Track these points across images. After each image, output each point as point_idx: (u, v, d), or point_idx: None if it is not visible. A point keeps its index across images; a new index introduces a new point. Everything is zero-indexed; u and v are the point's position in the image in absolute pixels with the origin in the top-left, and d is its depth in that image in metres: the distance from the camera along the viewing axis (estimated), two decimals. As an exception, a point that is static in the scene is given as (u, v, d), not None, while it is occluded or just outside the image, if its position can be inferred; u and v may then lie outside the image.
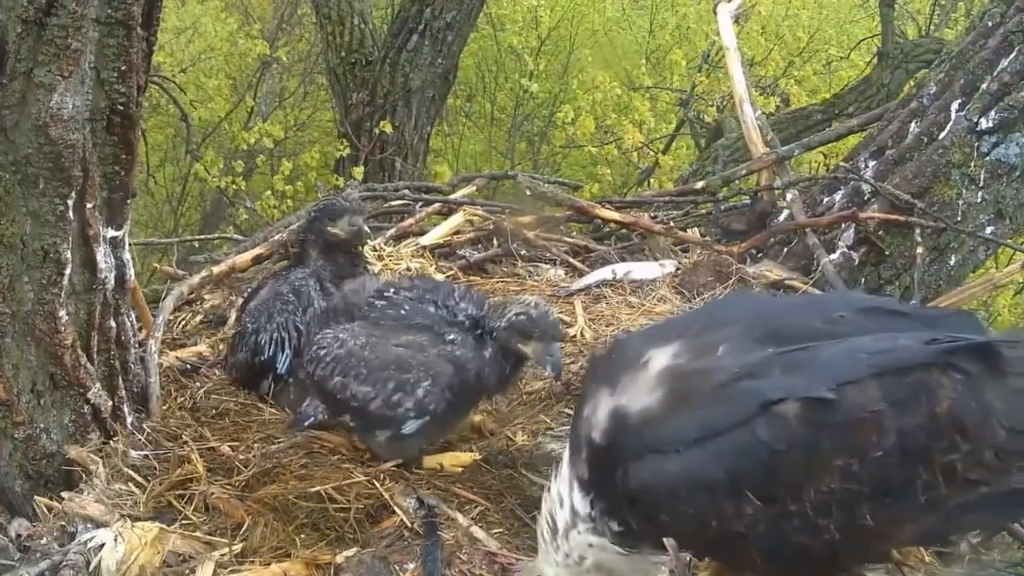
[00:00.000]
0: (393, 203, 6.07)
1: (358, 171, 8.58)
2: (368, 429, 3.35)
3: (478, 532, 3.00)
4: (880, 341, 2.26)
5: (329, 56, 9.32)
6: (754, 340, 2.28)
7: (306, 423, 3.42)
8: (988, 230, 5.09)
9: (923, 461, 2.15)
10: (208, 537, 2.92)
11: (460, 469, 3.36)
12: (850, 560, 2.25)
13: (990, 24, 5.20)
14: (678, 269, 5.02)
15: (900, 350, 2.22)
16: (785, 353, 2.22)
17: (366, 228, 3.86)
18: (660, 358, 2.30)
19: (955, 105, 5.12)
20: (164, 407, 3.60)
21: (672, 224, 5.73)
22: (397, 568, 2.82)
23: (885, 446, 2.12)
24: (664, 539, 2.22)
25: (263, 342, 3.76)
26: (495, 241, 5.37)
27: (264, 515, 3.00)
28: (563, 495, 2.39)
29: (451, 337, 3.33)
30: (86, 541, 2.76)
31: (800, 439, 2.11)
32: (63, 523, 2.92)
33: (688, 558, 2.76)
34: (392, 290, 3.53)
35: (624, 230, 5.77)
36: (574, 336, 4.32)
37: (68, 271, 2.98)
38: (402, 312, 3.46)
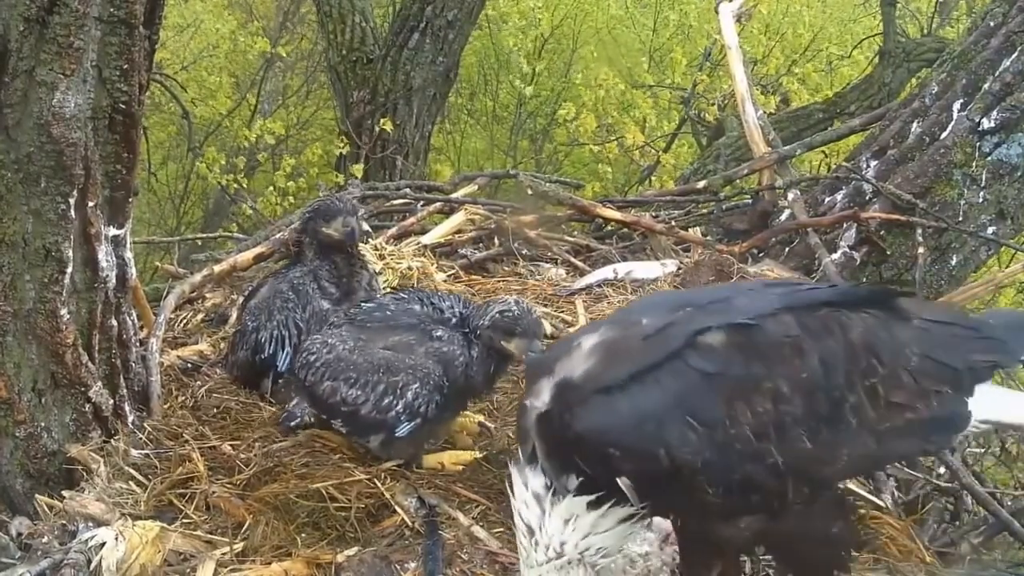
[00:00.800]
0: (394, 202, 6.07)
1: (357, 168, 8.59)
2: (360, 434, 3.36)
3: (479, 531, 3.01)
4: (787, 290, 2.49)
5: (330, 54, 9.31)
6: (671, 311, 2.42)
7: (292, 423, 3.43)
8: (990, 230, 5.08)
9: (847, 385, 2.30)
10: (209, 536, 2.93)
11: (461, 467, 3.37)
12: (796, 487, 2.31)
13: (992, 24, 5.19)
14: (679, 268, 5.02)
15: (807, 291, 2.47)
16: (702, 307, 2.40)
17: (361, 228, 3.83)
18: (590, 340, 2.42)
19: (957, 105, 5.12)
20: (165, 406, 3.61)
21: (673, 223, 5.74)
22: (398, 567, 2.82)
23: (810, 369, 2.27)
24: (619, 480, 2.25)
25: (263, 340, 3.75)
26: (496, 240, 5.37)
27: (265, 514, 3.01)
28: (524, 497, 2.40)
29: (439, 334, 3.36)
30: (87, 540, 2.76)
31: (730, 362, 2.25)
32: (64, 522, 2.92)
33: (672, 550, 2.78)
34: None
35: (625, 229, 5.78)
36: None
37: (69, 270, 2.98)
38: (388, 313, 3.50)
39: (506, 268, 5.25)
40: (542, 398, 2.37)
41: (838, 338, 2.32)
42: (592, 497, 2.33)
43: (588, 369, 2.33)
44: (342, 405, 3.30)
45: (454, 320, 3.41)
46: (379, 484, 3.16)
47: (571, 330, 4.36)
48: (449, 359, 3.30)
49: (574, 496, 2.34)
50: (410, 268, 4.73)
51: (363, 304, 3.64)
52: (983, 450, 4.30)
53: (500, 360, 3.34)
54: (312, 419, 3.46)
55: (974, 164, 5.00)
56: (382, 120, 8.79)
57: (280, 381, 3.79)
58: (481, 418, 3.69)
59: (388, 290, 4.27)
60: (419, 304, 3.49)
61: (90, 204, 2.96)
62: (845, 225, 5.22)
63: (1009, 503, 3.75)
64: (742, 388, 2.23)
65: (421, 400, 3.24)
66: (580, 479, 2.33)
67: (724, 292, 2.63)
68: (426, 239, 5.28)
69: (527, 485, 2.39)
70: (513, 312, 3.25)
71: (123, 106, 2.95)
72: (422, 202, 5.86)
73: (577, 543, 2.37)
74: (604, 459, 2.26)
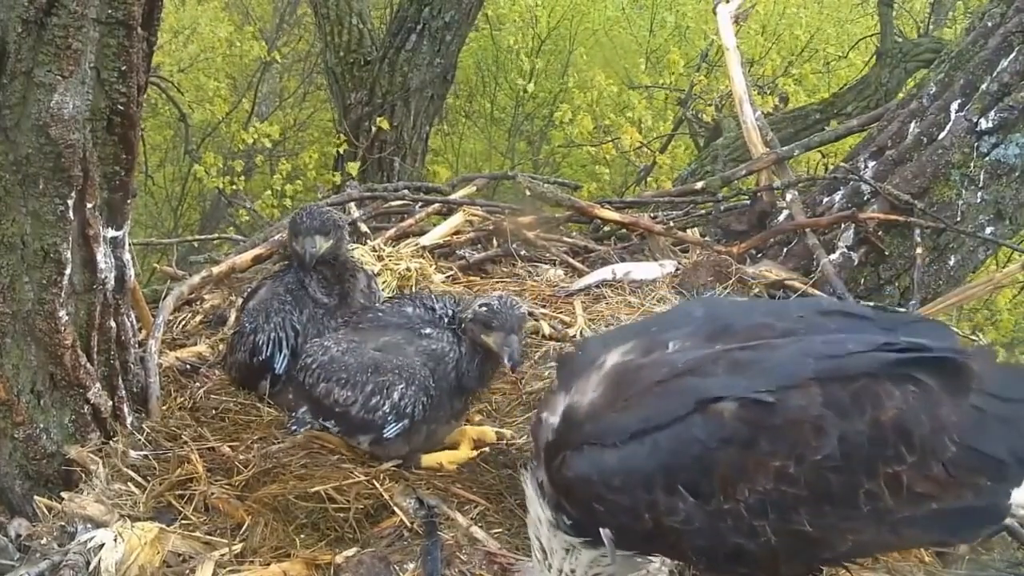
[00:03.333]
0: (393, 203, 6.07)
1: (353, 167, 8.59)
2: (351, 434, 3.37)
3: (478, 532, 3.00)
4: (830, 345, 2.24)
5: (328, 56, 9.31)
6: (705, 338, 2.30)
7: (302, 429, 3.43)
8: (988, 230, 5.10)
9: (866, 470, 2.13)
10: (208, 537, 2.93)
11: (458, 467, 3.36)
12: (789, 565, 2.23)
13: (990, 24, 5.21)
14: (678, 269, 5.02)
15: (847, 356, 2.20)
16: (732, 351, 2.23)
17: (314, 251, 3.71)
18: (613, 357, 2.34)
19: (955, 105, 5.13)
20: (164, 407, 3.60)
21: (672, 224, 5.74)
22: (397, 568, 2.82)
23: (825, 451, 2.10)
24: (600, 530, 2.23)
25: (260, 342, 3.74)
26: (495, 241, 5.37)
27: (264, 515, 3.00)
28: (538, 513, 2.40)
29: (427, 331, 3.37)
30: (86, 541, 2.76)
31: (735, 438, 2.11)
32: (63, 523, 2.92)
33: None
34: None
35: (624, 230, 5.78)
36: (573, 336, 4.32)
37: (68, 271, 2.98)
38: (379, 314, 3.54)
39: (504, 269, 5.25)
40: (554, 418, 2.34)
41: (866, 418, 2.12)
42: (582, 539, 2.33)
43: (593, 401, 2.27)
44: (336, 406, 3.31)
45: (445, 320, 3.42)
46: (378, 485, 3.16)
47: (573, 322, 4.36)
48: (439, 356, 3.31)
49: (566, 534, 2.35)
50: (408, 269, 4.72)
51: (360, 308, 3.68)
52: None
53: (486, 356, 3.33)
54: (321, 424, 3.46)
55: (972, 164, 5.01)
56: (379, 121, 8.79)
57: (279, 383, 3.78)
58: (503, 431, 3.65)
59: (387, 293, 4.27)
60: (411, 307, 3.52)
61: (89, 205, 2.96)
62: (843, 226, 5.24)
63: (1008, 503, 3.74)
64: (743, 464, 2.11)
65: (407, 401, 3.24)
66: (570, 521, 2.33)
67: (766, 316, 2.40)
68: (424, 240, 5.27)
69: (541, 509, 2.38)
70: (493, 306, 3.25)
71: (121, 107, 2.95)
72: (420, 203, 5.85)
73: (584, 572, 2.38)
74: (589, 510, 2.23)
